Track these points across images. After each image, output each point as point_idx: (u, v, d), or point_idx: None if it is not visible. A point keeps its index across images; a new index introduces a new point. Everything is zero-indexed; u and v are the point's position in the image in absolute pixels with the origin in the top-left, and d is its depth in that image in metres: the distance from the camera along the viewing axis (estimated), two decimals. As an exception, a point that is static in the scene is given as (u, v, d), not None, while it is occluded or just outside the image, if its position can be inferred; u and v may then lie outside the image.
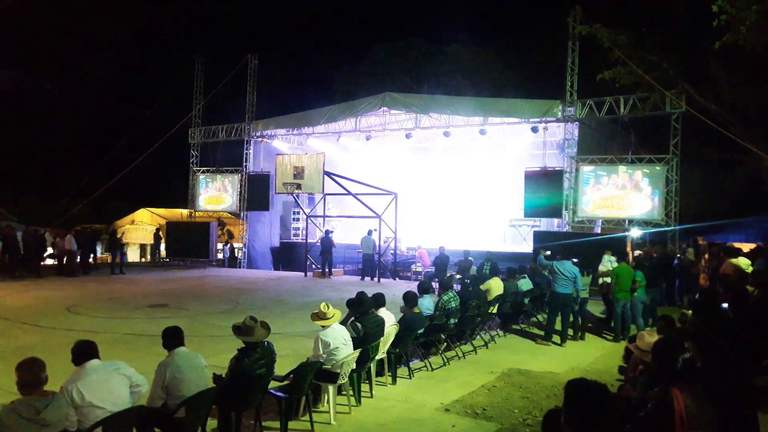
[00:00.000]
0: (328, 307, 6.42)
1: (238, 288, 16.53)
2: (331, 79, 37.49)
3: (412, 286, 10.44)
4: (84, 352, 4.50)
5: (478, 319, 9.95)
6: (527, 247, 19.07)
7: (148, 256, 28.31)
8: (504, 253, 18.97)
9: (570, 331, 10.73)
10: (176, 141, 24.94)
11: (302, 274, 20.15)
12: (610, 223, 16.79)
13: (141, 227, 31.23)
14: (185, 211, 26.20)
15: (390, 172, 24.60)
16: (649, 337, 5.09)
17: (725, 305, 6.77)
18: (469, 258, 15.67)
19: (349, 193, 20.25)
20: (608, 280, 11.64)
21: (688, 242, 15.98)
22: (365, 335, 6.83)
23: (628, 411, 3.99)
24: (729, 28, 12.07)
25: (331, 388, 6.09)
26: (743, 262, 10.22)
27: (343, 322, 6.89)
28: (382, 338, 7.10)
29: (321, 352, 6.18)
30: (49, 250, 19.94)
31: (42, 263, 19.36)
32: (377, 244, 18.89)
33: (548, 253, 11.96)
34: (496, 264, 12.82)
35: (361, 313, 7.13)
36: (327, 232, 19.45)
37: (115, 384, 4.45)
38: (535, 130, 18.41)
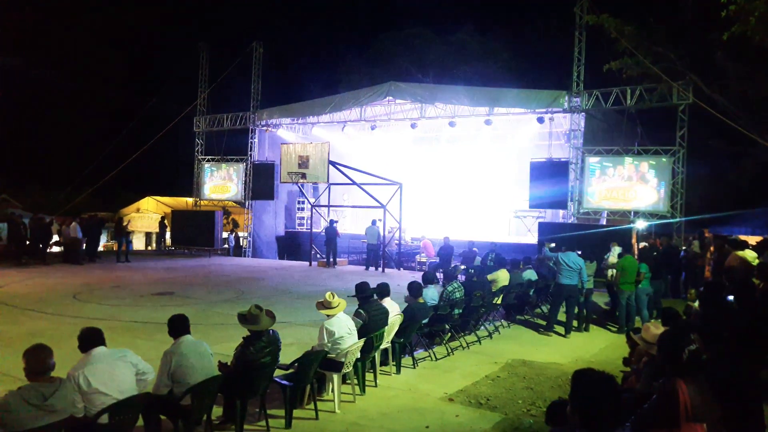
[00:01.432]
0: (333, 297, 6.42)
1: (242, 277, 16.58)
2: (336, 68, 37.43)
3: (417, 277, 10.45)
4: (90, 339, 4.53)
5: (482, 310, 9.96)
6: (532, 239, 19.03)
7: (154, 245, 28.45)
8: (509, 244, 18.96)
9: (574, 323, 10.73)
10: (181, 129, 25.00)
11: (307, 263, 20.20)
12: (616, 214, 16.75)
13: (146, 215, 31.35)
14: (190, 200, 26.26)
15: (395, 162, 24.58)
16: (655, 329, 5.07)
17: (731, 298, 6.75)
18: (474, 249, 15.68)
19: (354, 183, 20.23)
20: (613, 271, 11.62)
21: (693, 234, 15.93)
22: (370, 322, 6.83)
23: (633, 402, 3.99)
24: (737, 19, 11.96)
25: (335, 377, 6.11)
26: (749, 255, 10.16)
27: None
28: (386, 328, 7.11)
29: (326, 341, 6.20)
30: (55, 238, 20.05)
31: (48, 251, 19.46)
32: (382, 234, 18.90)
33: (553, 245, 11.95)
34: (501, 255, 12.82)
35: (365, 298, 7.12)
36: (331, 222, 19.45)
37: (121, 371, 4.48)
38: (541, 120, 18.32)
